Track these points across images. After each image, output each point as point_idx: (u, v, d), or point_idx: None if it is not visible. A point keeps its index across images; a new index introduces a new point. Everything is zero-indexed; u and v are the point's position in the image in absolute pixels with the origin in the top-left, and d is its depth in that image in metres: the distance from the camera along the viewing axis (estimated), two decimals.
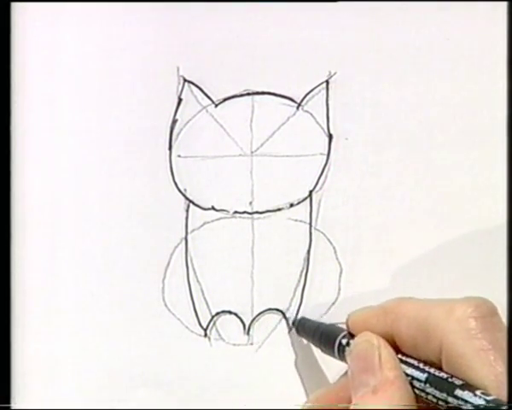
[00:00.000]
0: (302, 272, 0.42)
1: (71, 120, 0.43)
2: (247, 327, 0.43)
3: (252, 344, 0.43)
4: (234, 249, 0.43)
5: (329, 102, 0.42)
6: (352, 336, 0.36)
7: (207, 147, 0.43)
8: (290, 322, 0.42)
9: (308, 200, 0.42)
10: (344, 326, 0.38)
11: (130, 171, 0.43)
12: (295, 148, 0.42)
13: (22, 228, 0.43)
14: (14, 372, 0.43)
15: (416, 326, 0.32)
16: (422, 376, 0.32)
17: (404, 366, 0.33)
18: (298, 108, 0.42)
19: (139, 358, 0.43)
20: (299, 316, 0.42)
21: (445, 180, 0.42)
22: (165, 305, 0.43)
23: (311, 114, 0.43)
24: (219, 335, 0.43)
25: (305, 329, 0.41)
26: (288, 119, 0.43)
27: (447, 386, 0.31)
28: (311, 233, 0.42)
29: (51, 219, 0.43)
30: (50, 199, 0.43)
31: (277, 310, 0.43)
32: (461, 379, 0.30)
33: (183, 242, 0.43)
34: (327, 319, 0.42)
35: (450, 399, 0.30)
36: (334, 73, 0.42)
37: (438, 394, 0.31)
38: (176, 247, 0.43)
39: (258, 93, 0.42)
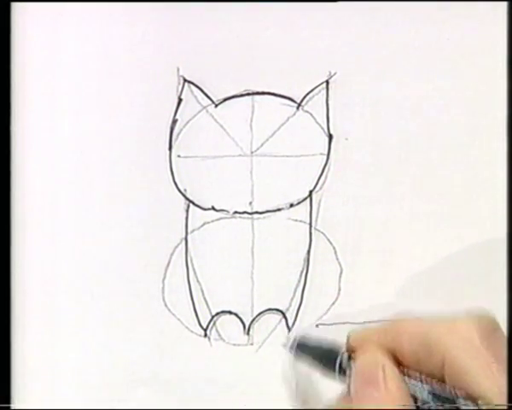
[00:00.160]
0: (302, 272, 0.42)
1: (71, 120, 0.43)
2: (247, 327, 0.43)
3: (252, 344, 0.43)
4: (234, 249, 0.43)
5: (329, 102, 0.42)
6: (351, 353, 0.36)
7: (207, 147, 0.43)
8: (288, 346, 0.40)
9: (308, 200, 0.42)
10: (337, 338, 0.37)
11: (130, 171, 0.43)
12: (295, 148, 0.42)
13: (22, 228, 0.43)
14: (14, 372, 0.43)
15: (418, 342, 0.33)
16: (425, 389, 0.32)
17: (406, 380, 0.33)
18: (298, 108, 0.43)
19: (139, 358, 0.43)
20: (295, 337, 0.40)
21: (445, 180, 0.42)
22: (165, 305, 0.43)
23: (311, 114, 0.43)
24: (219, 335, 0.43)
25: (305, 349, 0.39)
26: (288, 119, 0.43)
27: (450, 399, 0.31)
28: (311, 233, 0.42)
29: (51, 219, 0.43)
30: (50, 199, 0.43)
31: (277, 310, 0.43)
32: (464, 392, 0.30)
33: (183, 242, 0.43)
34: (327, 319, 0.42)
35: None
36: (334, 73, 0.42)
37: (441, 407, 0.31)
38: (176, 247, 0.43)
39: (258, 93, 0.42)
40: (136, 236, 0.43)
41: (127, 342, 0.43)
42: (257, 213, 0.43)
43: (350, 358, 0.35)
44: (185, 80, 0.43)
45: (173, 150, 0.43)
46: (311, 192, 0.42)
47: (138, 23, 0.43)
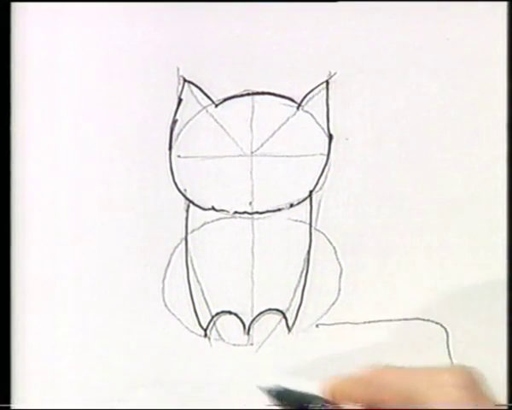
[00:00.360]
0: (302, 272, 0.42)
1: (71, 120, 0.43)
2: (247, 327, 0.43)
3: (252, 344, 0.43)
4: (234, 249, 0.43)
5: (329, 102, 0.42)
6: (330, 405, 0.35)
7: (207, 147, 0.43)
8: (268, 392, 0.39)
9: (308, 200, 0.42)
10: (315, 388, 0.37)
11: (131, 171, 0.43)
12: (295, 148, 0.42)
13: (22, 228, 0.43)
14: (14, 372, 0.43)
15: (400, 395, 0.32)
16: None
17: None
18: (298, 108, 0.42)
19: (139, 358, 0.43)
20: (276, 387, 0.40)
21: (445, 179, 0.42)
22: (165, 305, 0.43)
23: (311, 115, 0.43)
24: (219, 335, 0.43)
25: (283, 401, 0.39)
26: (288, 119, 0.42)
27: None
28: (311, 233, 0.42)
29: (51, 219, 0.43)
30: (50, 199, 0.43)
31: (277, 310, 0.43)
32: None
33: (183, 242, 0.43)
34: (327, 320, 0.42)
35: None
36: (334, 73, 0.42)
37: None
38: (176, 247, 0.43)
39: (258, 93, 0.42)
40: (136, 236, 0.43)
41: (127, 342, 0.43)
42: (257, 213, 0.43)
43: None
44: (185, 80, 0.43)
45: (173, 150, 0.43)
46: (311, 192, 0.42)
47: (138, 23, 0.43)
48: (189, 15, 0.43)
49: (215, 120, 0.43)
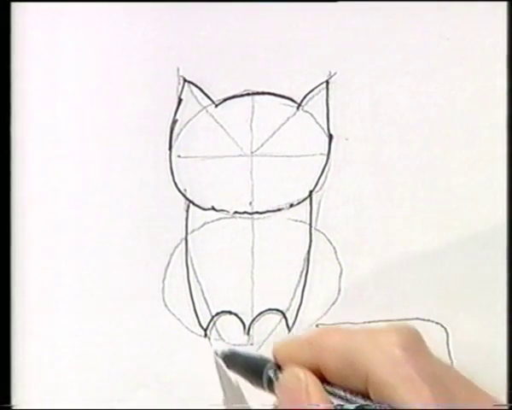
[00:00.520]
0: (302, 272, 0.42)
1: (71, 120, 0.43)
2: (247, 327, 0.43)
3: (252, 344, 0.43)
4: (234, 249, 0.43)
5: (329, 102, 0.42)
6: (279, 367, 0.36)
7: (207, 147, 0.43)
8: (218, 354, 0.41)
9: (308, 200, 0.42)
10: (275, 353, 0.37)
11: (131, 171, 0.43)
12: (295, 148, 0.42)
13: (22, 228, 0.43)
14: (14, 372, 0.43)
15: (342, 357, 0.32)
16: (351, 407, 0.31)
17: (331, 398, 0.32)
18: (298, 108, 0.42)
19: (139, 358, 0.43)
20: (226, 349, 0.41)
21: (445, 180, 0.42)
22: (165, 305, 0.43)
23: (311, 115, 0.43)
24: (219, 335, 0.43)
25: (234, 362, 0.40)
26: (288, 119, 0.43)
27: None
28: (311, 233, 0.42)
29: (51, 219, 0.43)
30: (50, 199, 0.43)
31: (277, 310, 0.43)
32: (389, 408, 0.30)
33: (183, 242, 0.43)
34: (327, 320, 0.42)
35: None
36: (334, 73, 0.42)
37: None
38: (176, 247, 0.43)
39: (258, 93, 0.42)
40: (137, 236, 0.43)
41: (127, 342, 0.43)
42: (257, 213, 0.43)
43: (277, 371, 0.35)
44: (185, 80, 0.43)
45: (173, 150, 0.43)
46: (311, 192, 0.42)
47: (138, 23, 0.43)
48: (189, 15, 0.43)
49: (215, 120, 0.43)
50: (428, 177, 0.42)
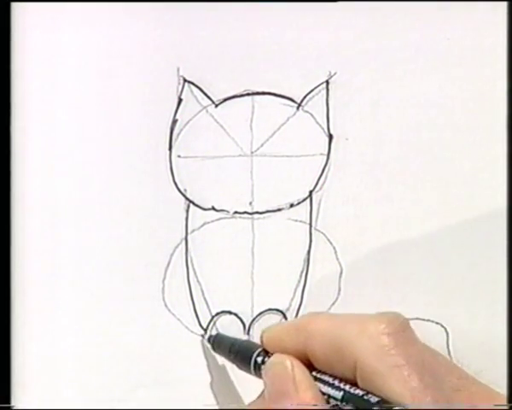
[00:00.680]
0: (302, 272, 0.42)
1: (71, 120, 0.43)
2: (247, 327, 0.43)
3: None
4: (234, 249, 0.43)
5: (329, 102, 0.42)
6: (267, 353, 0.36)
7: (207, 147, 0.43)
8: (206, 339, 0.41)
9: (308, 200, 0.42)
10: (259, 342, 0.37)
11: (130, 171, 0.43)
12: (295, 148, 0.42)
13: (22, 228, 0.43)
14: (14, 372, 0.43)
15: (330, 344, 0.32)
16: (338, 394, 0.31)
17: (319, 385, 0.32)
18: (298, 108, 0.42)
19: (139, 358, 0.43)
20: (214, 333, 0.42)
21: (445, 180, 0.42)
22: (165, 305, 0.43)
23: (311, 115, 0.43)
24: None
25: (221, 346, 0.40)
26: (288, 119, 0.43)
27: (363, 403, 0.30)
28: (311, 233, 0.42)
29: (51, 219, 0.43)
30: (50, 199, 0.43)
31: (277, 310, 0.43)
32: (377, 396, 0.30)
33: (183, 242, 0.43)
34: None
35: None
36: (334, 73, 0.42)
37: None
38: (176, 247, 0.43)
39: (258, 93, 0.42)
40: (137, 236, 0.43)
41: (127, 342, 0.43)
42: (257, 213, 0.43)
43: (264, 360, 0.35)
44: (185, 80, 0.43)
45: (173, 150, 0.43)
46: (311, 192, 0.42)
47: (138, 23, 0.43)
48: (189, 15, 0.43)
49: (215, 120, 0.43)
50: (428, 177, 0.42)
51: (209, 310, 0.43)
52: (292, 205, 0.43)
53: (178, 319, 0.43)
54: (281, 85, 0.42)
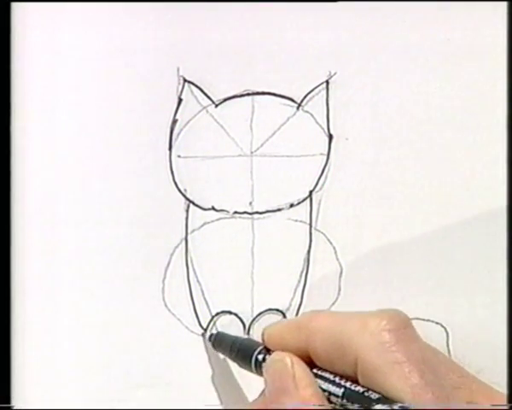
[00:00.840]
0: (302, 272, 0.42)
1: (71, 120, 0.43)
2: (247, 327, 0.43)
3: None
4: (234, 249, 0.43)
5: (329, 102, 0.42)
6: (268, 350, 0.36)
7: (207, 147, 0.43)
8: (207, 337, 0.41)
9: (308, 200, 0.42)
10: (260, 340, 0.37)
11: (131, 171, 0.43)
12: (295, 148, 0.42)
13: (22, 228, 0.43)
14: (14, 372, 0.43)
15: (331, 341, 0.32)
16: (339, 391, 0.31)
17: (320, 382, 0.32)
18: (298, 108, 0.42)
19: (139, 358, 0.43)
20: (215, 331, 0.42)
21: (445, 180, 0.42)
22: (165, 305, 0.43)
23: (311, 115, 0.43)
24: None
25: (222, 344, 0.40)
26: (288, 119, 0.43)
27: (364, 400, 0.30)
28: (311, 233, 0.42)
29: (51, 219, 0.43)
30: (50, 199, 0.43)
31: (277, 310, 0.43)
32: (377, 393, 0.30)
33: (183, 242, 0.43)
34: None
35: None
36: (334, 73, 0.42)
37: (355, 408, 0.30)
38: (176, 247, 0.43)
39: (258, 93, 0.42)
40: (136, 236, 0.43)
41: (127, 342, 0.43)
42: (257, 213, 0.43)
43: (265, 358, 0.35)
44: (185, 80, 0.43)
45: (173, 150, 0.43)
46: (311, 192, 0.42)
47: (138, 23, 0.43)
48: (189, 15, 0.43)
49: (215, 120, 0.43)
50: (428, 177, 0.42)
51: (209, 310, 0.43)
52: (292, 205, 0.43)
53: (178, 319, 0.43)
54: (281, 85, 0.42)
